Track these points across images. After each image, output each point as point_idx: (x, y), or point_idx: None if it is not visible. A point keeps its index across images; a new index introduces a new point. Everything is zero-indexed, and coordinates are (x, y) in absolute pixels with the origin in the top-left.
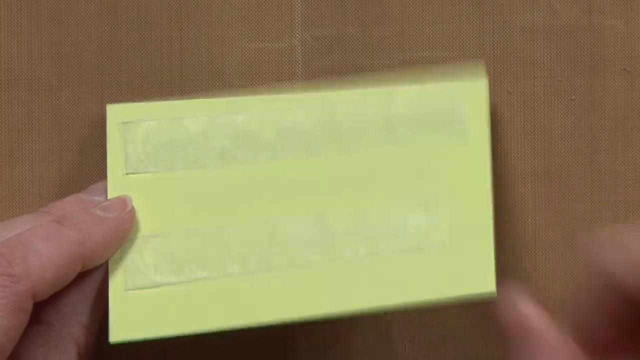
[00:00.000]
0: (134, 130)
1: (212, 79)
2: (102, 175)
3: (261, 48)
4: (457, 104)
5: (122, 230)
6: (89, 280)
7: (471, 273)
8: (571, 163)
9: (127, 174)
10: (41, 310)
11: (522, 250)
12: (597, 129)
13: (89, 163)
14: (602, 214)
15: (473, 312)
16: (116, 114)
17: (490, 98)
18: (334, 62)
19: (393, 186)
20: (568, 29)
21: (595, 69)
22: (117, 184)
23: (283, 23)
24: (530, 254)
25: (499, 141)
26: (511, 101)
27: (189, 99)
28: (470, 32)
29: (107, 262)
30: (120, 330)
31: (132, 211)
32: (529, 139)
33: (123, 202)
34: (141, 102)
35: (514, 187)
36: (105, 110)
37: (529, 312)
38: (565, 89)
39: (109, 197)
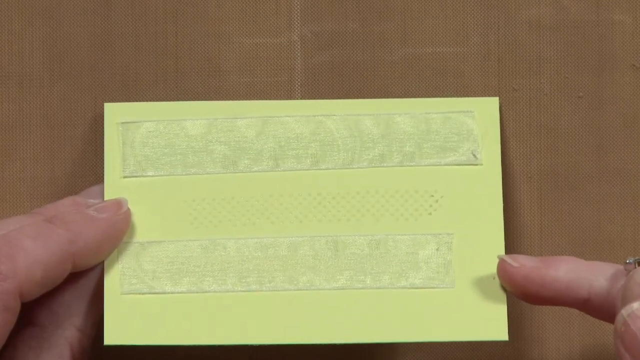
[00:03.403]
0: (133, 131)
1: (208, 75)
2: (96, 174)
3: (259, 44)
4: (467, 121)
5: (115, 231)
6: (84, 281)
7: (482, 318)
8: (578, 162)
9: (124, 177)
10: (34, 311)
11: (528, 250)
12: (605, 127)
13: (82, 162)
14: (609, 214)
15: None
16: (114, 113)
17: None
18: (334, 58)
19: (401, 210)
20: (575, 24)
21: (603, 65)
22: (114, 187)
23: (281, 18)
24: (536, 254)
25: (505, 140)
26: (517, 98)
27: (187, 98)
28: (474, 26)
29: (102, 264)
30: (114, 333)
31: (127, 213)
32: (535, 137)
33: (117, 204)
34: (139, 101)
35: (520, 187)
36: (98, 107)
37: (526, 262)
38: (573, 85)
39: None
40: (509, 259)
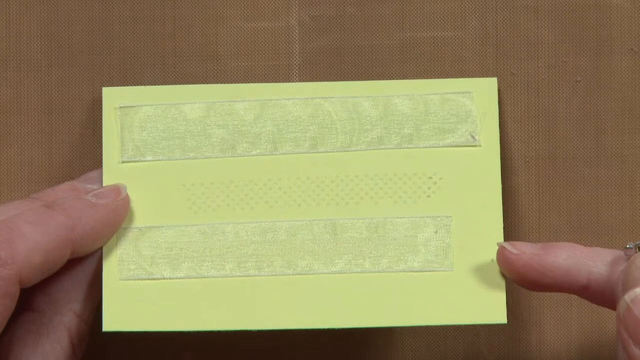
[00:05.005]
0: (131, 115)
1: (206, 59)
2: (94, 159)
3: (257, 28)
4: (465, 102)
5: (114, 217)
6: (82, 267)
7: (481, 301)
8: (576, 146)
9: (123, 162)
10: (32, 296)
11: (527, 235)
12: (603, 111)
13: (79, 146)
14: (607, 198)
15: None
16: (112, 97)
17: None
18: (332, 42)
19: (400, 193)
20: (573, 8)
21: (601, 49)
22: (112, 172)
23: (280, 1)
24: (535, 238)
25: (503, 124)
26: (515, 83)
27: (185, 82)
28: (472, 10)
29: (101, 250)
30: (113, 320)
31: (126, 199)
32: (533, 121)
33: (116, 190)
34: (137, 85)
35: (518, 171)
36: (96, 91)
37: (525, 249)
38: (571, 70)
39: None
40: (508, 246)
